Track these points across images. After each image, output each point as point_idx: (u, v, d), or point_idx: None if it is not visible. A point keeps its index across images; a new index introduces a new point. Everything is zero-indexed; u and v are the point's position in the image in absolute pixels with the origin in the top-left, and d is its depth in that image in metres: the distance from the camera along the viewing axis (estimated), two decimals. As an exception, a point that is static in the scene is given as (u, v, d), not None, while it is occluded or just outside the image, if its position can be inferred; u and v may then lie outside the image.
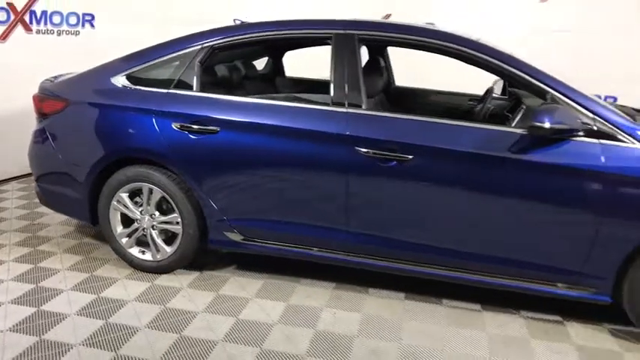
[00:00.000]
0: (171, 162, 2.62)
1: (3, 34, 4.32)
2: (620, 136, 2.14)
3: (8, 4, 4.35)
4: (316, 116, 2.44)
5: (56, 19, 4.73)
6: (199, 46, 2.67)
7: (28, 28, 4.50)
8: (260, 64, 3.95)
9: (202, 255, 2.89)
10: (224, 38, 2.66)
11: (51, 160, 2.89)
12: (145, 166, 2.68)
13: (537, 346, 2.27)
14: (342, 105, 2.41)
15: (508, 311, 2.54)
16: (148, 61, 2.74)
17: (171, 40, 2.77)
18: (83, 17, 4.95)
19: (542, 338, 2.32)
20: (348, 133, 2.36)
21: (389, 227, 2.44)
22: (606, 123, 2.15)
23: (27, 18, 4.49)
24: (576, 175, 2.15)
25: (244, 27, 2.67)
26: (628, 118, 2.21)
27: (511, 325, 2.42)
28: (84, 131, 2.77)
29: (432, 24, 6.20)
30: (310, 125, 2.42)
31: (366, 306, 2.55)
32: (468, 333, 2.35)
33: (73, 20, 4.86)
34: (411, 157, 2.29)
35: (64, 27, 4.81)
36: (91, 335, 2.25)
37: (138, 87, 2.71)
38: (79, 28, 4.93)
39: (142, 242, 2.83)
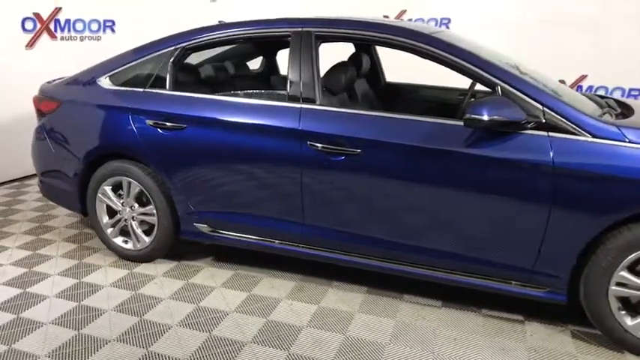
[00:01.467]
0: (146, 157, 2.78)
1: (30, 41, 4.71)
2: (571, 129, 2.06)
3: (35, 14, 4.74)
4: (273, 112, 2.51)
5: (79, 26, 5.09)
6: (172, 48, 2.81)
7: (52, 36, 4.87)
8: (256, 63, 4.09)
9: (186, 246, 3.05)
10: (194, 39, 2.79)
11: (47, 155, 3.14)
12: (125, 161, 2.86)
13: (485, 342, 2.22)
14: (296, 101, 2.47)
15: (469, 309, 2.49)
16: (129, 63, 2.92)
17: (149, 43, 2.93)
18: (104, 23, 5.29)
19: (493, 336, 2.27)
20: (300, 128, 2.41)
21: (341, 220, 2.47)
22: (556, 115, 2.08)
23: (52, 26, 4.86)
24: (523, 169, 2.09)
25: (212, 28, 2.78)
26: (582, 110, 2.12)
27: (466, 322, 2.38)
28: (73, 128, 3.00)
29: (447, 19, 6.00)
30: (267, 121, 2.50)
31: (325, 299, 2.59)
32: (423, 325, 2.34)
33: (94, 27, 5.21)
34: (358, 150, 2.31)
35: (87, 33, 5.16)
36: (61, 315, 2.45)
37: (119, 87, 2.90)
38: (101, 33, 5.27)
39: (126, 232, 3.02)
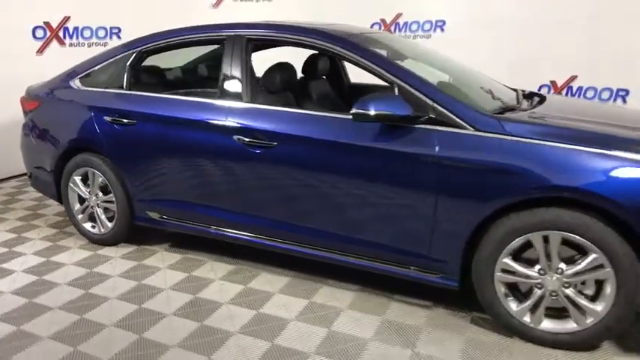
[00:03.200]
0: (105, 150, 3.10)
1: (40, 48, 5.20)
2: (456, 123, 2.19)
3: (45, 23, 5.23)
4: (206, 109, 2.76)
5: (86, 33, 5.55)
6: (131, 51, 3.13)
7: (61, 42, 5.35)
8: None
9: (152, 232, 3.35)
10: (149, 44, 3.09)
11: (31, 149, 3.53)
12: (90, 154, 3.19)
13: (373, 322, 2.38)
14: (226, 98, 2.71)
15: (385, 295, 2.64)
16: (96, 65, 3.26)
17: (113, 47, 3.27)
18: (111, 30, 5.73)
19: (392, 316, 2.42)
20: (228, 123, 2.65)
21: (263, 207, 2.68)
22: (444, 110, 2.21)
23: (61, 34, 5.34)
24: (412, 161, 2.23)
25: (165, 33, 3.07)
26: (470, 105, 2.24)
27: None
28: (49, 125, 3.37)
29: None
30: (201, 116, 2.75)
31: (253, 281, 2.81)
32: (358, 315, 2.48)
33: (101, 33, 5.66)
34: (275, 143, 2.52)
35: (94, 40, 5.61)
36: (23, 286, 2.79)
37: (87, 88, 3.24)
38: (108, 40, 5.71)
39: (93, 218, 3.35)
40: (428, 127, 2.22)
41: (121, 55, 3.16)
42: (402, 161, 2.25)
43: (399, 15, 6.49)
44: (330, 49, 2.52)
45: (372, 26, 6.49)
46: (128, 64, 3.10)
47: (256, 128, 2.58)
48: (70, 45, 5.42)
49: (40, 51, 5.21)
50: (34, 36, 5.15)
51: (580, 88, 5.41)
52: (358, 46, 2.47)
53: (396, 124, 2.24)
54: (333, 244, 2.55)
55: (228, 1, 6.59)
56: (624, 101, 5.00)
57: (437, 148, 2.18)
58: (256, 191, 2.66)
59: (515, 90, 3.03)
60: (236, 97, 2.70)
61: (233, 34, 2.79)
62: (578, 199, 1.98)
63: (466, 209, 2.17)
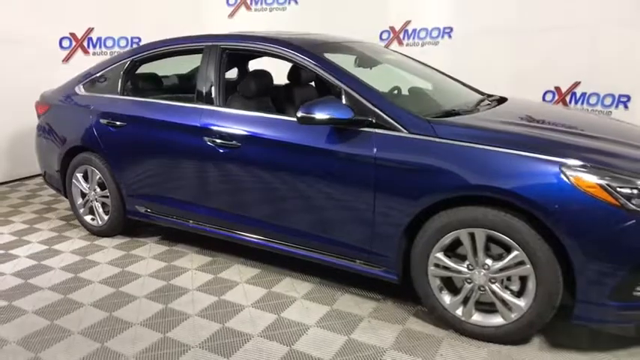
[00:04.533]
0: (100, 150, 3.42)
1: (66, 57, 5.68)
2: (394, 126, 2.34)
3: (71, 33, 5.71)
4: (184, 112, 3.03)
5: (109, 42, 6.00)
6: (125, 60, 3.45)
7: (86, 52, 5.81)
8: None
9: (148, 226, 3.63)
10: (141, 53, 3.40)
11: (43, 148, 3.92)
12: (89, 153, 3.53)
13: (321, 310, 2.55)
14: (201, 102, 2.97)
15: (342, 287, 2.80)
16: (97, 72, 3.61)
17: (112, 57, 3.60)
18: (132, 40, 6.15)
19: (341, 306, 2.58)
20: (199, 125, 2.90)
21: (231, 204, 2.91)
22: (383, 114, 2.37)
23: (85, 44, 5.81)
24: (354, 161, 2.40)
25: (154, 43, 3.38)
26: (407, 109, 2.39)
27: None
28: (57, 127, 3.74)
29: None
30: (179, 119, 3.02)
31: (223, 272, 3.04)
32: (309, 304, 2.70)
33: (122, 43, 6.10)
34: (239, 144, 2.75)
35: (116, 49, 6.05)
36: (22, 269, 3.14)
37: (88, 93, 3.59)
38: (128, 48, 6.14)
39: (93, 211, 3.69)
40: (368, 130, 2.39)
41: (117, 64, 3.49)
42: (344, 161, 2.43)
43: (407, 22, 6.61)
44: (287, 56, 2.73)
45: (381, 34, 6.65)
46: (122, 71, 3.43)
47: (223, 130, 2.82)
48: (94, 54, 5.87)
49: (66, 60, 5.69)
50: (60, 46, 5.64)
51: (583, 94, 5.36)
52: (312, 55, 2.67)
53: (340, 126, 2.42)
54: (290, 238, 2.75)
55: (243, 11, 6.92)
56: (626, 107, 4.94)
57: (374, 150, 2.34)
58: (224, 189, 2.89)
59: (483, 95, 3.15)
60: (209, 101, 2.95)
61: (210, 44, 3.05)
62: (499, 198, 2.09)
63: (399, 207, 2.32)
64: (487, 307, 2.27)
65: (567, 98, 5.50)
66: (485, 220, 2.12)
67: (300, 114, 2.39)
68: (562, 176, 1.99)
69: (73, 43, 5.73)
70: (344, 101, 2.47)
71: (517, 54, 5.76)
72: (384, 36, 6.66)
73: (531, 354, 2.18)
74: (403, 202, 2.30)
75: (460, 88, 3.34)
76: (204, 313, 2.58)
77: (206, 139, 2.86)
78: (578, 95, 5.40)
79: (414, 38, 6.60)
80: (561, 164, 2.00)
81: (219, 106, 2.93)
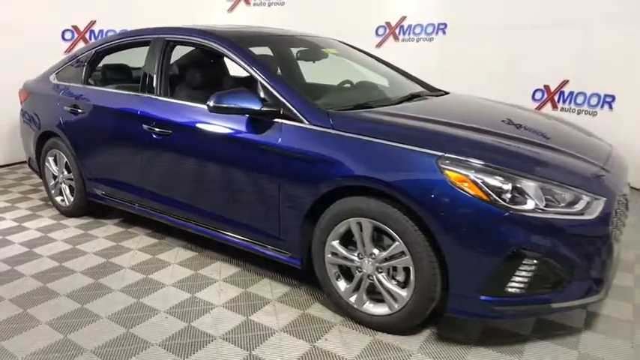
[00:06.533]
0: (65, 134, 3.65)
1: (68, 49, 6.00)
2: (298, 117, 2.42)
3: (73, 26, 6.03)
4: (128, 100, 3.20)
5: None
6: (90, 51, 3.66)
7: (87, 43, 6.12)
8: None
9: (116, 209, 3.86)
10: (102, 45, 3.61)
11: (25, 133, 4.21)
12: (57, 138, 3.78)
13: (234, 292, 2.67)
14: (144, 91, 3.13)
15: (266, 273, 2.91)
16: (68, 62, 3.84)
17: (81, 48, 3.82)
18: (132, 33, 6.43)
19: (253, 290, 2.69)
20: (138, 112, 3.07)
21: (162, 187, 3.07)
22: (289, 105, 2.45)
23: (87, 36, 6.12)
24: (262, 150, 2.49)
25: (113, 36, 3.57)
26: (309, 100, 2.47)
27: (247, 281, 2.81)
28: (33, 113, 4.01)
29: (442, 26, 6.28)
30: (123, 107, 3.20)
31: (161, 253, 3.21)
32: (225, 286, 2.84)
33: (123, 36, 6.38)
34: (170, 132, 2.90)
35: (117, 41, 6.34)
36: (-14, 243, 3.43)
37: (58, 82, 3.83)
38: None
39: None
40: (278, 120, 2.48)
41: (84, 54, 3.71)
42: (256, 150, 2.52)
43: (403, 18, 6.60)
44: (212, 47, 2.86)
45: (377, 29, 6.66)
46: (87, 61, 3.65)
47: (157, 118, 2.97)
48: (95, 46, 6.19)
49: (68, 51, 6.00)
50: (63, 38, 5.97)
51: (571, 93, 5.21)
52: (233, 45, 2.78)
53: (255, 117, 2.52)
54: (210, 222, 2.89)
55: (242, 6, 7.08)
56: (610, 107, 4.77)
57: (280, 139, 2.43)
58: (158, 174, 3.06)
59: (431, 89, 3.23)
60: (150, 90, 3.11)
61: (156, 36, 3.21)
62: (380, 189, 2.14)
63: (300, 195, 2.40)
64: (379, 297, 2.32)
65: (556, 97, 5.36)
66: (369, 210, 2.17)
67: (210, 103, 2.50)
68: (437, 169, 2.01)
69: (75, 35, 6.05)
70: (261, 92, 2.57)
71: (509, 51, 5.66)
72: (380, 31, 6.67)
73: (415, 345, 2.22)
74: (302, 190, 2.38)
75: (403, 82, 3.36)
76: (127, 289, 2.74)
77: (144, 126, 3.03)
78: (566, 94, 5.26)
79: (409, 34, 6.58)
80: (437, 157, 2.03)
81: (159, 95, 3.08)
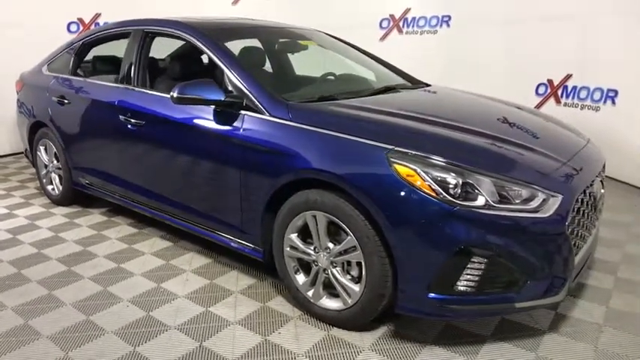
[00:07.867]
0: (53, 125, 3.72)
1: (73, 40, 6.12)
2: (259, 109, 2.40)
3: (78, 18, 6.14)
4: (107, 91, 3.23)
5: (114, 28, 6.37)
6: (78, 43, 3.71)
7: (92, 36, 6.22)
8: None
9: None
10: (88, 37, 3.65)
11: (20, 123, 4.30)
12: (46, 128, 3.85)
13: (199, 282, 2.67)
14: (122, 82, 3.16)
15: (237, 265, 2.91)
16: (57, 54, 3.91)
17: (70, 40, 3.88)
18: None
19: (220, 282, 2.69)
20: (115, 103, 3.10)
21: (139, 178, 3.09)
22: (252, 96, 2.43)
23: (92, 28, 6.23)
24: (225, 141, 2.48)
25: (97, 29, 3.61)
26: (270, 93, 2.43)
27: (214, 272, 2.82)
28: (26, 103, 4.09)
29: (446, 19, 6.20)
30: (102, 97, 3.24)
31: (137, 243, 3.24)
32: (190, 277, 2.86)
33: (128, 28, 6.46)
34: (143, 122, 2.92)
35: (121, 34, 6.43)
36: (-26, 229, 3.52)
37: (49, 72, 3.90)
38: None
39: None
40: (241, 112, 2.46)
41: (72, 46, 3.77)
42: (220, 141, 2.51)
43: (407, 10, 6.49)
44: (185, 39, 2.86)
45: (381, 22, 6.57)
46: (75, 53, 3.70)
47: (132, 108, 2.99)
48: (100, 38, 6.28)
49: (73, 43, 6.12)
50: (68, 30, 6.08)
51: (575, 88, 5.03)
52: (202, 36, 2.77)
53: (219, 108, 2.50)
54: (180, 213, 2.90)
55: (244, -2, 7.08)
56: (613, 102, 4.59)
57: (241, 130, 2.42)
58: (133, 163, 3.09)
59: (416, 82, 3.19)
60: (128, 81, 3.13)
61: (135, 28, 3.23)
62: (333, 182, 2.10)
63: (258, 187, 2.38)
64: (335, 292, 2.29)
65: (559, 92, 5.19)
66: (323, 203, 2.14)
67: (173, 94, 2.49)
68: (386, 163, 1.96)
69: (80, 28, 6.15)
70: (229, 85, 2.56)
71: (513, 44, 5.51)
72: (384, 24, 6.58)
73: (368, 341, 2.18)
74: (261, 182, 2.36)
75: (386, 75, 3.29)
76: (96, 277, 2.78)
77: (121, 117, 3.05)
78: (569, 88, 5.08)
79: (413, 27, 6.48)
80: (387, 151, 1.98)
81: (136, 86, 3.10)
